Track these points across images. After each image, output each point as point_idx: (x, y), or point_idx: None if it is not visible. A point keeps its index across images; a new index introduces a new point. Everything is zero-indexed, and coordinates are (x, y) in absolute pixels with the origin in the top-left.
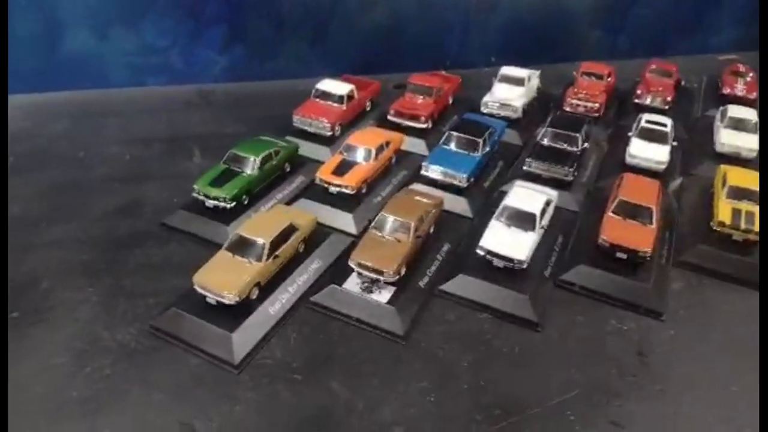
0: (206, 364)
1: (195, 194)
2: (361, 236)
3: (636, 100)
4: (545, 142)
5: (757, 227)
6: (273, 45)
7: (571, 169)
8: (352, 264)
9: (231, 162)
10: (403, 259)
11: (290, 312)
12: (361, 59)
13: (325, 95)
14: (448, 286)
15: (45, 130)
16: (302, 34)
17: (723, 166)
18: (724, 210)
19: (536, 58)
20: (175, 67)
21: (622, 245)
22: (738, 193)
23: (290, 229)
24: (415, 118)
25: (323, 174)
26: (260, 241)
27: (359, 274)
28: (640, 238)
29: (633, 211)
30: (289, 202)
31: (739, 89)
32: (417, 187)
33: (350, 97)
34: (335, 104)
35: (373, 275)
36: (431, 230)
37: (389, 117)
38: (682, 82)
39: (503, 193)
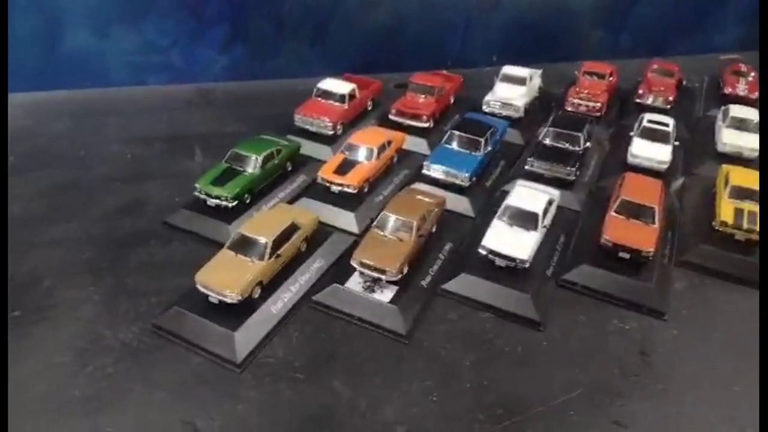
0: (208, 363)
1: (197, 193)
2: (362, 235)
3: (638, 100)
4: (547, 141)
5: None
6: (274, 44)
7: (573, 169)
8: (354, 263)
9: (233, 161)
10: (405, 258)
11: (292, 311)
12: (361, 59)
13: (327, 94)
14: (451, 286)
15: (46, 129)
16: (303, 33)
17: (725, 166)
18: (726, 210)
19: (538, 58)
20: (176, 66)
21: (625, 245)
22: (740, 193)
23: (292, 228)
24: (416, 117)
25: (325, 173)
26: (262, 240)
27: (361, 273)
28: (643, 237)
29: (635, 211)
30: (291, 201)
31: (741, 89)
32: (419, 186)
33: (352, 96)
34: (337, 103)
35: (376, 274)
36: (433, 229)
37: (391, 116)
38: (684, 82)
39: (505, 193)
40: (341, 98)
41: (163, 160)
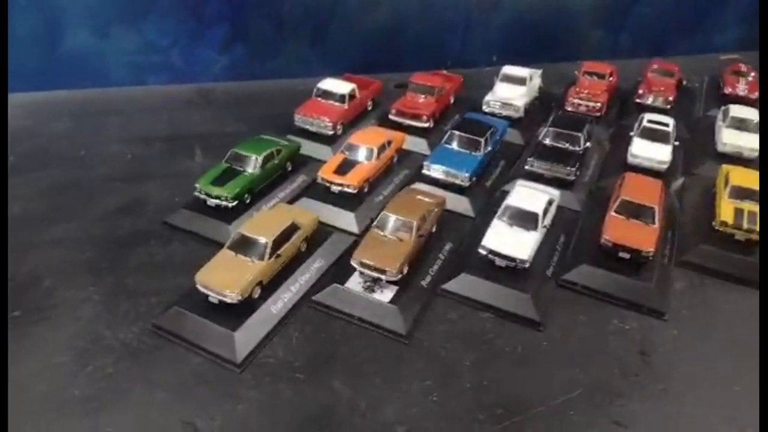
0: (208, 363)
1: (197, 193)
2: (362, 235)
3: (638, 100)
4: (547, 141)
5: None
6: (274, 44)
7: (573, 169)
8: (354, 263)
9: (233, 161)
10: (405, 258)
11: (292, 311)
12: (361, 59)
13: (327, 94)
14: (451, 286)
15: (46, 129)
16: (303, 33)
17: (725, 166)
18: (726, 210)
19: (538, 58)
20: (175, 66)
21: (625, 245)
22: (740, 193)
23: (292, 228)
24: (416, 117)
25: (325, 173)
26: (262, 239)
27: (361, 273)
28: (643, 237)
29: (636, 211)
30: (291, 201)
31: (741, 89)
32: (419, 186)
33: (352, 96)
34: (337, 103)
35: (376, 274)
36: (433, 229)
37: (391, 116)
38: (684, 82)
39: (505, 193)
40: (341, 98)
41: (163, 160)
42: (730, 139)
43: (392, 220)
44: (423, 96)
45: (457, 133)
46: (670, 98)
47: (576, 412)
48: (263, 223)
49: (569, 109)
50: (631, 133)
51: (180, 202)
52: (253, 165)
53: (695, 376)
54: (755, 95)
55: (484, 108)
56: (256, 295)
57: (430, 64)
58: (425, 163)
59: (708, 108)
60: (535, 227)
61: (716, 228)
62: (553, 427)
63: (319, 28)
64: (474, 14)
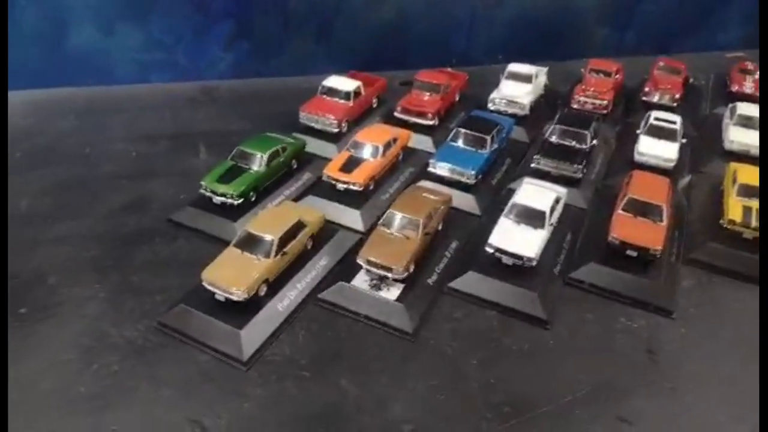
0: (214, 361)
1: (202, 191)
2: (368, 233)
3: (644, 98)
4: (554, 139)
5: None
6: (278, 41)
7: (579, 167)
8: (360, 261)
9: (238, 159)
10: (411, 256)
11: (298, 309)
12: (366, 56)
13: (332, 92)
14: (457, 284)
15: (51, 127)
16: (308, 30)
17: (733, 164)
18: (734, 208)
19: (543, 55)
20: (180, 63)
21: (633, 243)
22: (748, 191)
23: (298, 226)
24: (422, 114)
25: (331, 171)
26: (268, 237)
27: (367, 271)
28: (651, 235)
29: (643, 209)
30: (296, 199)
31: (748, 86)
32: (425, 184)
33: (357, 93)
34: (342, 101)
35: (382, 272)
36: (439, 227)
37: (396, 114)
38: (691, 80)
39: (511, 191)
40: (346, 95)
41: (168, 157)
42: (737, 136)
43: (398, 218)
44: (428, 93)
45: (462, 130)
46: (677, 96)
47: (583, 410)
48: (269, 221)
49: (575, 106)
50: (638, 131)
51: (185, 199)
52: (258, 163)
53: (703, 375)
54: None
55: (490, 106)
56: (262, 293)
57: (435, 62)
58: (431, 160)
59: (714, 106)
60: (542, 225)
61: (724, 226)
62: (561, 426)
63: (324, 25)
64: (479, 11)
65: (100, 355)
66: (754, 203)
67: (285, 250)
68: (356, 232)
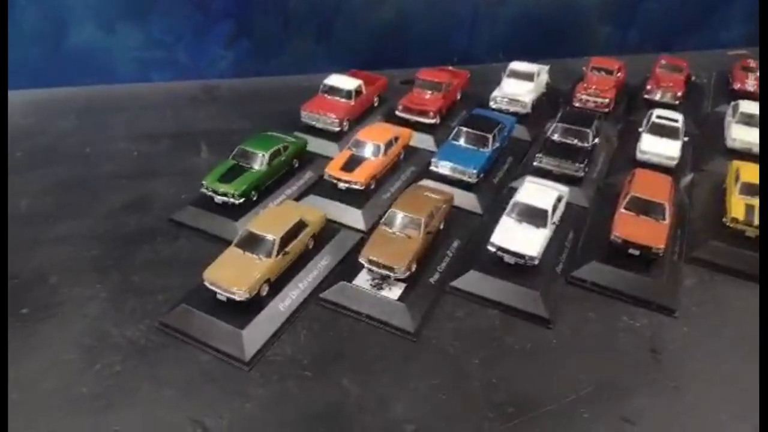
0: (216, 361)
1: (204, 190)
2: (370, 232)
3: (646, 96)
4: (556, 137)
5: None
6: (279, 40)
7: (582, 165)
8: (362, 260)
9: (239, 158)
10: (413, 255)
11: (300, 308)
12: (367, 55)
13: (333, 90)
14: (459, 283)
15: (51, 126)
16: (308, 29)
17: (735, 162)
18: (737, 206)
19: (545, 53)
20: (181, 62)
21: (636, 242)
22: (751, 189)
23: (300, 225)
24: (423, 113)
25: (332, 170)
26: (270, 237)
27: (369, 270)
28: (654, 234)
29: (646, 207)
30: (298, 198)
31: (750, 84)
32: (426, 183)
33: (358, 92)
34: (343, 99)
35: (384, 272)
36: (441, 226)
37: (397, 112)
38: (693, 78)
39: (513, 190)
40: (348, 94)
41: (169, 157)
42: (739, 134)
43: (400, 217)
44: (430, 92)
45: (464, 129)
46: (679, 94)
47: (586, 409)
48: (271, 221)
49: (577, 105)
50: (640, 129)
51: (186, 199)
52: (260, 162)
53: (706, 373)
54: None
55: (491, 104)
56: (264, 293)
57: (436, 60)
58: (433, 159)
59: (717, 104)
60: (544, 224)
61: (727, 224)
62: (564, 425)
63: (324, 24)
64: (481, 9)
65: (102, 355)
66: (757, 201)
67: (286, 249)
68: (358, 231)
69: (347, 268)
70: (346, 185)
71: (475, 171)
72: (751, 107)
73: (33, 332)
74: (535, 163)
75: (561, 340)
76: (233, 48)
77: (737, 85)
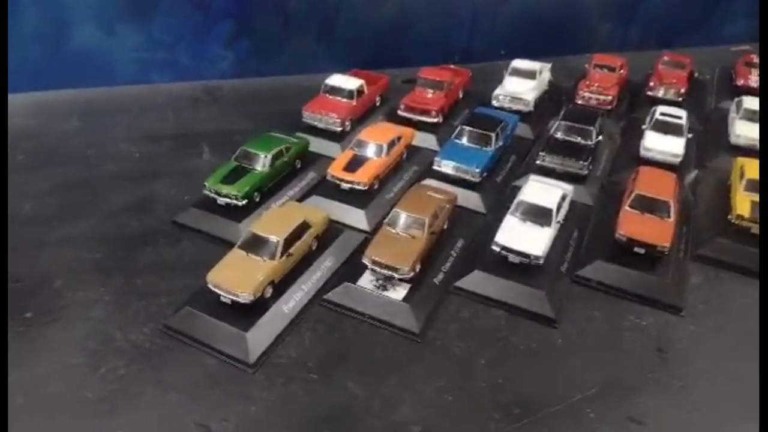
0: (221, 364)
1: (206, 192)
2: (374, 233)
3: (649, 93)
4: (558, 135)
5: None
6: (279, 40)
7: (585, 163)
8: (365, 261)
9: (242, 159)
10: (417, 255)
11: (304, 310)
12: (368, 54)
13: (335, 90)
14: (463, 283)
15: (53, 128)
16: (309, 29)
17: (740, 159)
18: (742, 203)
19: (547, 51)
20: (181, 63)
21: (641, 240)
22: (756, 186)
23: (303, 227)
24: (425, 112)
25: (335, 170)
26: (274, 238)
27: (373, 271)
28: (659, 232)
29: (650, 205)
30: (301, 199)
31: (753, 80)
32: (429, 182)
33: (360, 92)
34: (345, 99)
35: (388, 272)
36: (445, 226)
37: (399, 112)
38: (696, 74)
39: (516, 188)
40: (349, 94)
41: (170, 158)
42: (743, 131)
43: (404, 217)
44: (432, 91)
45: (467, 128)
46: (682, 90)
47: (592, 409)
48: (274, 222)
49: (580, 102)
50: (644, 126)
51: (189, 200)
52: (262, 163)
53: (712, 372)
54: None
55: (494, 102)
56: (268, 295)
57: (438, 59)
58: (435, 158)
59: (720, 100)
60: (548, 223)
61: (732, 221)
62: (570, 425)
63: (325, 23)
64: (482, 8)
65: (106, 358)
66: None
67: (290, 251)
68: (361, 231)
69: (351, 269)
70: (349, 186)
71: (478, 170)
72: (755, 103)
73: (37, 336)
74: (538, 162)
75: (566, 340)
76: (234, 48)
77: (740, 81)
